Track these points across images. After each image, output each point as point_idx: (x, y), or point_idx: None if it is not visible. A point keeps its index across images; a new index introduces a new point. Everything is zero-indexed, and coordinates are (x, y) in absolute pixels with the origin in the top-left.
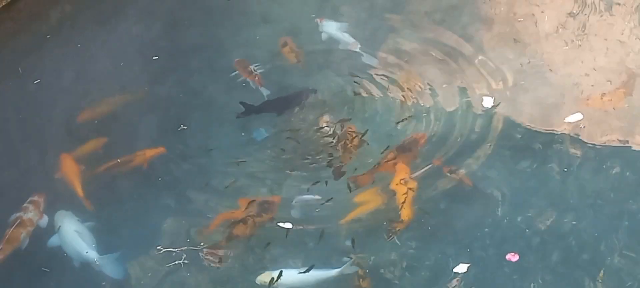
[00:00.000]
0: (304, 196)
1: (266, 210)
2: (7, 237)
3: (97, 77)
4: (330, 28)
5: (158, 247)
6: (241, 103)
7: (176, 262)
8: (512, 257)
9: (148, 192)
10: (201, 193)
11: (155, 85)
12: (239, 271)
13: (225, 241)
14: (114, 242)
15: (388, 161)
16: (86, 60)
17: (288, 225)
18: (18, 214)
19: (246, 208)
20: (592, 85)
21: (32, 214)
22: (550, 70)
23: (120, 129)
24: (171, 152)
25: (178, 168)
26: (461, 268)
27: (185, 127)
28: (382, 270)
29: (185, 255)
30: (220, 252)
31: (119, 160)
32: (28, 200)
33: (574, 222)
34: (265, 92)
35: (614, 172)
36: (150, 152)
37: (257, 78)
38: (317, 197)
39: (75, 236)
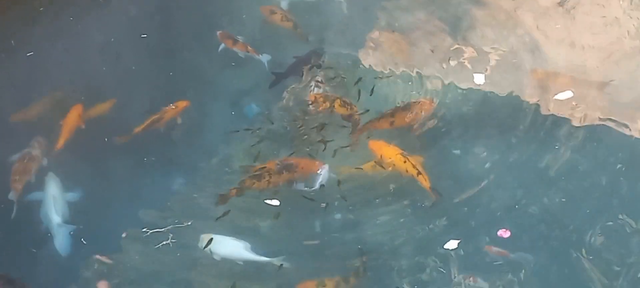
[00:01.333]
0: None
1: (288, 170)
2: (20, 168)
3: (89, 51)
4: None
5: (144, 229)
6: (272, 73)
7: (164, 243)
8: (504, 233)
9: (136, 171)
10: (191, 172)
11: (145, 63)
12: None
13: (235, 191)
14: (95, 219)
15: (385, 118)
16: (78, 34)
17: (275, 202)
18: (26, 150)
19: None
20: (584, 64)
21: (38, 152)
22: (542, 48)
23: (114, 106)
24: (161, 131)
25: (168, 147)
26: (451, 244)
27: (173, 106)
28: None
29: (171, 235)
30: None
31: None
32: (33, 139)
33: (563, 199)
34: (265, 58)
35: (601, 151)
36: (182, 104)
37: (248, 48)
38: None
39: (50, 201)
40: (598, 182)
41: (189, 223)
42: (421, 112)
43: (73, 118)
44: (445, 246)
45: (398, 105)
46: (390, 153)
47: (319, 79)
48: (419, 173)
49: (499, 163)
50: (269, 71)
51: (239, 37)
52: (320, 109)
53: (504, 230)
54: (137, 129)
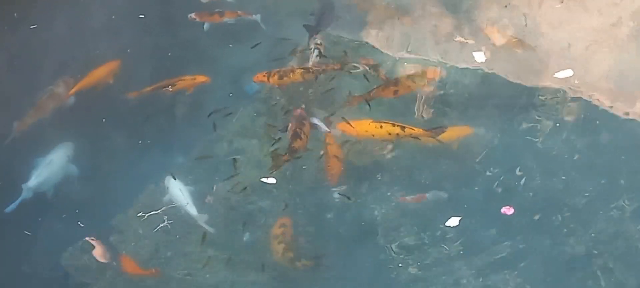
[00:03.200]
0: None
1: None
2: (37, 104)
3: (90, 27)
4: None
5: (139, 214)
6: (304, 26)
7: (161, 225)
8: (507, 210)
9: (132, 154)
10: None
11: (143, 41)
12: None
13: (287, 156)
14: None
15: (388, 87)
16: (81, 9)
17: (271, 180)
18: (50, 87)
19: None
20: (587, 47)
21: (62, 90)
22: (543, 28)
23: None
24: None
25: (167, 127)
26: (453, 221)
27: (170, 90)
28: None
29: (166, 217)
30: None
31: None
32: (61, 78)
33: (563, 177)
34: (257, 17)
35: (601, 131)
36: (201, 79)
37: (239, 12)
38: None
39: (48, 163)
40: (597, 163)
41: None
42: (425, 80)
43: (104, 71)
44: (447, 223)
45: (402, 74)
46: (363, 126)
47: (318, 41)
48: (403, 127)
49: (499, 142)
50: (264, 29)
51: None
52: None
53: (508, 207)
54: (148, 88)
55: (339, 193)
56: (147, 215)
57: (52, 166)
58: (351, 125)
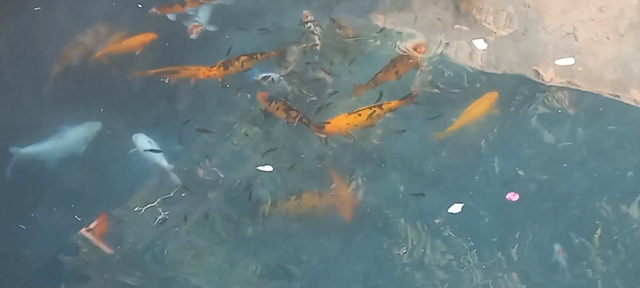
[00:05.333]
0: None
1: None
2: (62, 53)
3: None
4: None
5: (136, 208)
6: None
7: (159, 218)
8: (513, 197)
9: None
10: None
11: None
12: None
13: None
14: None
15: (389, 71)
16: None
17: (268, 168)
18: (78, 35)
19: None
20: (591, 38)
21: (90, 40)
22: (546, 18)
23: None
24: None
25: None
26: (455, 208)
27: (166, 81)
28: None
29: (160, 209)
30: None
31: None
32: (91, 26)
33: (565, 165)
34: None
35: (603, 121)
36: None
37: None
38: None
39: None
40: (600, 151)
41: (183, 194)
42: (419, 54)
43: (138, 40)
44: (449, 210)
45: (396, 56)
46: (341, 121)
47: (310, 17)
48: (380, 106)
49: (499, 132)
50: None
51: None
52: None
53: (513, 193)
54: (153, 71)
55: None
56: (144, 208)
57: (63, 139)
58: (329, 124)
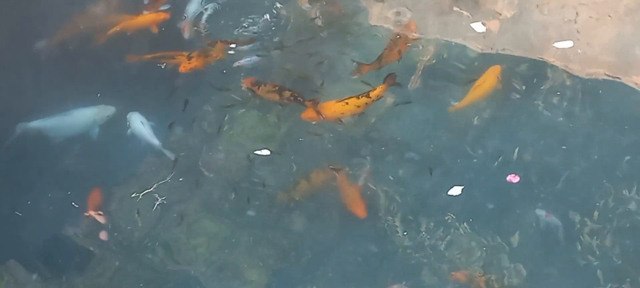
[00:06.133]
0: None
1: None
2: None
3: None
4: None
5: (133, 195)
6: None
7: (156, 204)
8: (513, 178)
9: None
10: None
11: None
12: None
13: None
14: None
15: (392, 50)
16: None
17: (265, 152)
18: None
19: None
20: (590, 17)
21: (100, 9)
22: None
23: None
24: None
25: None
26: (455, 190)
27: (161, 65)
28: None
29: (156, 195)
30: None
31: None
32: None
33: (564, 147)
34: None
35: (603, 102)
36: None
37: None
38: None
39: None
40: (599, 134)
41: (181, 179)
42: (410, 31)
43: (152, 18)
44: (449, 192)
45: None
46: (329, 108)
47: None
48: (367, 94)
49: (500, 113)
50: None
51: None
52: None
53: (513, 175)
54: (149, 55)
55: None
56: (142, 194)
57: (70, 117)
58: (319, 111)
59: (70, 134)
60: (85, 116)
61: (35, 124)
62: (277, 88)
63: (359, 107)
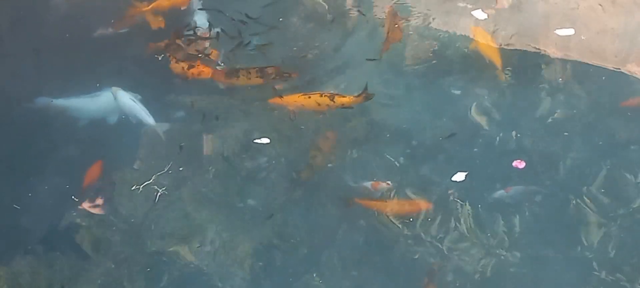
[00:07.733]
0: None
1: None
2: None
3: None
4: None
5: (133, 188)
6: None
7: (157, 195)
8: (519, 164)
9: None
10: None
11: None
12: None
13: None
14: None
15: (394, 32)
16: None
17: (265, 141)
18: None
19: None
20: (592, 4)
21: None
22: None
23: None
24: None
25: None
26: (459, 176)
27: (159, 58)
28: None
29: (156, 187)
30: None
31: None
32: None
33: (566, 133)
34: None
35: (603, 94)
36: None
37: None
38: None
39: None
40: (599, 122)
41: (181, 168)
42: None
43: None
44: (453, 178)
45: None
46: (292, 98)
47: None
48: (332, 97)
49: (500, 104)
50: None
51: None
52: None
53: (519, 161)
54: (152, 45)
55: None
56: (142, 186)
57: (97, 100)
58: (282, 98)
59: (96, 116)
60: (108, 100)
61: (60, 101)
62: (257, 69)
63: (319, 105)
